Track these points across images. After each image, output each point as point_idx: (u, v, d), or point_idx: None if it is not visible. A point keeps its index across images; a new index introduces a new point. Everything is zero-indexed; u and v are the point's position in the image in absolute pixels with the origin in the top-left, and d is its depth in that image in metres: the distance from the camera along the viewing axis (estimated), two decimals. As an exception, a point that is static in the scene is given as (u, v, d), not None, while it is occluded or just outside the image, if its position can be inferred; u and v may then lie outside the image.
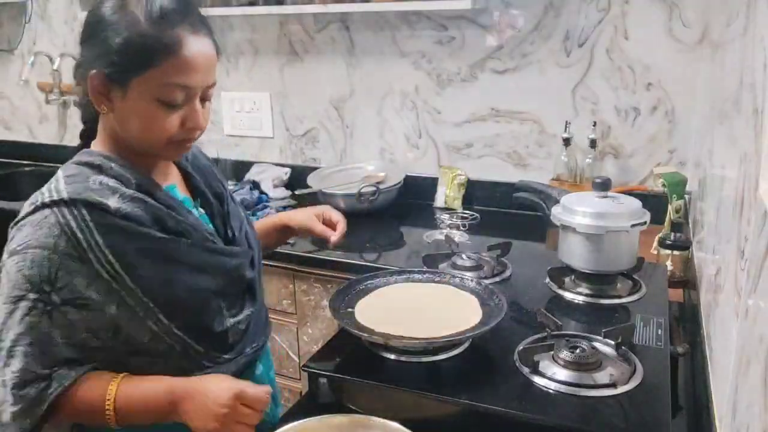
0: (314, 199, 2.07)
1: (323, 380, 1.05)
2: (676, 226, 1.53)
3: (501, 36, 2.01)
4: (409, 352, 1.05)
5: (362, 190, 2.00)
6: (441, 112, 2.18)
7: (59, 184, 0.93)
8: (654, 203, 1.59)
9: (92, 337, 0.91)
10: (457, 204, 2.13)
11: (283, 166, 2.42)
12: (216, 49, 0.95)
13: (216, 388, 0.90)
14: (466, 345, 1.09)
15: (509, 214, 2.08)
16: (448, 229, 1.92)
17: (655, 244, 1.59)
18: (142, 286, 0.91)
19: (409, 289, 1.25)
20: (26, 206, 0.93)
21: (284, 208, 2.12)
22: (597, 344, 1.05)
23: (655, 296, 1.31)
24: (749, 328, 0.70)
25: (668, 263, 1.51)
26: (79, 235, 0.89)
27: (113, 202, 0.91)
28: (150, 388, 0.92)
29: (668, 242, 1.50)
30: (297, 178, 2.34)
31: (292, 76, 2.37)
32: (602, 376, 0.98)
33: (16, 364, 0.88)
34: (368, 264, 1.70)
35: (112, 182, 0.93)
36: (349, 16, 2.22)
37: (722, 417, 0.84)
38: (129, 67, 0.89)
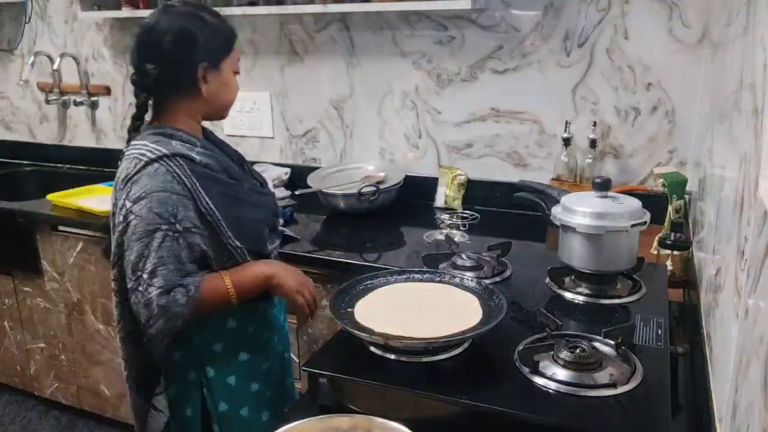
0: (314, 199, 2.07)
1: (323, 380, 1.05)
2: (676, 226, 1.53)
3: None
4: (409, 352, 1.05)
5: (362, 190, 2.00)
6: (441, 112, 2.18)
7: (152, 146, 1.20)
8: (654, 203, 1.59)
9: (203, 255, 1.22)
10: (457, 204, 2.13)
11: (283, 166, 2.42)
12: None
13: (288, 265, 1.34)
14: (466, 345, 1.09)
15: (509, 214, 2.08)
16: (448, 229, 1.92)
17: (655, 244, 1.59)
18: (223, 218, 1.22)
19: (409, 289, 1.25)
20: (129, 167, 1.19)
21: (284, 208, 2.12)
22: (597, 344, 1.05)
23: (655, 296, 1.31)
24: (749, 328, 0.70)
25: (668, 263, 1.51)
26: (185, 179, 1.19)
27: (196, 155, 1.22)
28: (251, 270, 1.27)
29: (668, 242, 1.50)
30: (297, 178, 2.34)
31: (292, 76, 2.37)
32: (602, 376, 0.98)
33: (159, 281, 1.15)
34: (368, 264, 1.70)
35: (186, 144, 1.23)
36: (349, 16, 2.22)
37: (722, 417, 0.84)
38: (222, 53, 1.27)
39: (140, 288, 1.17)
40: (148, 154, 1.19)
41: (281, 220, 1.45)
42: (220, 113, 1.34)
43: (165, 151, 1.19)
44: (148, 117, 1.33)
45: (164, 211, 1.16)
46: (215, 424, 1.33)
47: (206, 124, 1.38)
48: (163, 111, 1.29)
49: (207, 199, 1.20)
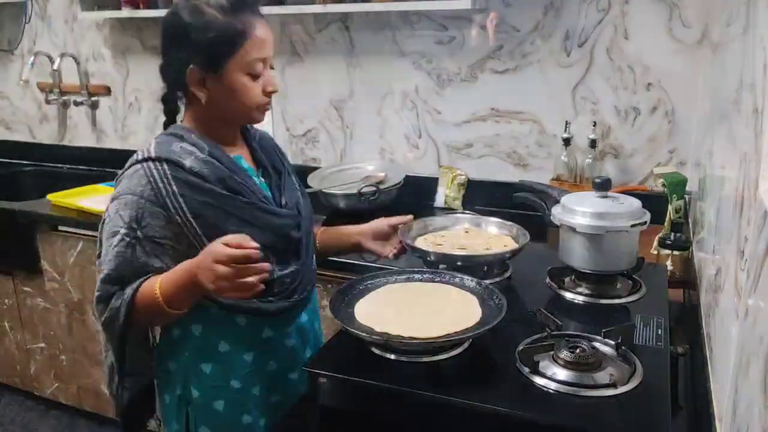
0: (314, 199, 2.07)
1: (323, 380, 1.05)
2: (676, 226, 1.53)
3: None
4: (409, 352, 1.05)
5: (362, 190, 2.00)
6: (441, 112, 2.18)
7: (150, 147, 1.16)
8: (654, 203, 1.58)
9: (163, 269, 1.13)
10: (457, 204, 2.13)
11: (283, 166, 2.42)
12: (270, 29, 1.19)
13: (208, 251, 1.06)
14: (466, 345, 1.08)
15: (509, 214, 2.08)
16: (448, 229, 1.92)
17: (655, 244, 1.59)
18: (204, 232, 1.12)
19: (410, 289, 1.25)
20: (126, 165, 1.17)
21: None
22: (597, 344, 1.05)
23: (655, 296, 1.31)
24: (749, 328, 0.70)
25: (668, 263, 1.51)
26: (160, 184, 1.11)
27: (188, 162, 1.13)
28: (179, 269, 1.10)
29: (668, 242, 1.50)
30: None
31: (292, 76, 2.37)
32: (602, 376, 0.98)
33: (98, 286, 1.12)
34: (368, 264, 1.70)
35: (189, 147, 1.16)
36: (349, 16, 2.22)
37: (722, 417, 0.84)
38: (222, 54, 1.12)
39: (98, 285, 1.14)
40: (140, 154, 1.15)
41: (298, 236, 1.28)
42: (239, 119, 1.23)
43: (153, 154, 1.14)
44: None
45: (127, 214, 1.11)
46: None
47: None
48: (187, 109, 1.24)
49: (184, 208, 1.11)
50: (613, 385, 0.96)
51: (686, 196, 1.79)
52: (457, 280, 1.26)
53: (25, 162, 3.05)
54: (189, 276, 1.08)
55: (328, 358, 1.09)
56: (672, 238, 1.49)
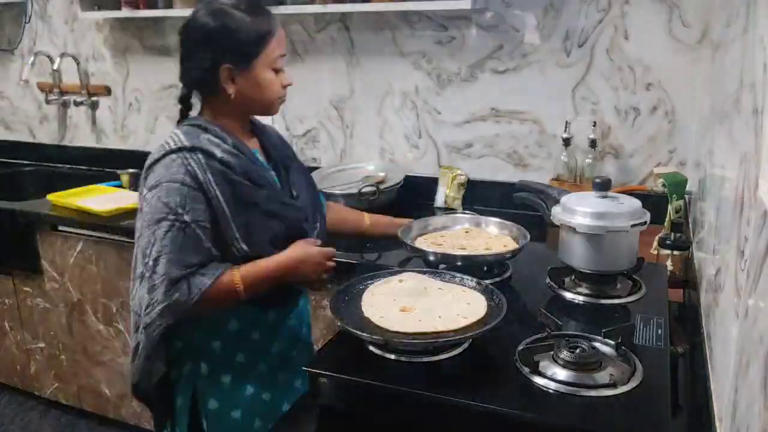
0: (314, 199, 2.07)
1: (323, 380, 1.05)
2: (676, 226, 1.53)
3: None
4: (409, 352, 1.05)
5: (362, 190, 2.00)
6: (441, 112, 2.18)
7: (180, 137, 1.23)
8: (654, 203, 1.59)
9: (210, 248, 1.21)
10: (457, 204, 2.13)
11: (283, 166, 2.42)
12: None
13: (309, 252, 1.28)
14: (466, 345, 1.09)
15: (509, 214, 2.08)
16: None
17: (655, 244, 1.59)
18: (233, 218, 1.21)
19: (419, 282, 1.25)
20: (154, 155, 1.23)
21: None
22: (597, 344, 1.05)
23: (655, 296, 1.31)
24: (749, 328, 0.70)
25: (668, 263, 1.51)
26: (198, 172, 1.20)
27: (218, 152, 1.22)
28: (265, 265, 1.24)
29: (668, 242, 1.50)
30: (297, 178, 2.34)
31: (292, 76, 2.36)
32: (602, 376, 0.98)
33: (162, 269, 1.16)
34: (368, 264, 1.70)
35: (215, 139, 1.24)
36: (349, 16, 2.22)
37: (722, 417, 0.84)
38: (252, 52, 1.24)
39: (146, 274, 1.18)
40: (172, 144, 1.22)
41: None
42: (260, 111, 1.34)
43: (187, 143, 1.21)
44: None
45: (172, 201, 1.17)
46: (203, 419, 1.31)
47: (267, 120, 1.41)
48: (205, 105, 1.31)
49: (218, 194, 1.20)
50: (613, 385, 0.96)
51: (686, 196, 1.79)
52: (457, 280, 1.26)
53: (25, 162, 3.05)
54: (280, 269, 1.24)
55: (328, 358, 1.09)
56: (672, 238, 1.49)
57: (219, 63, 1.23)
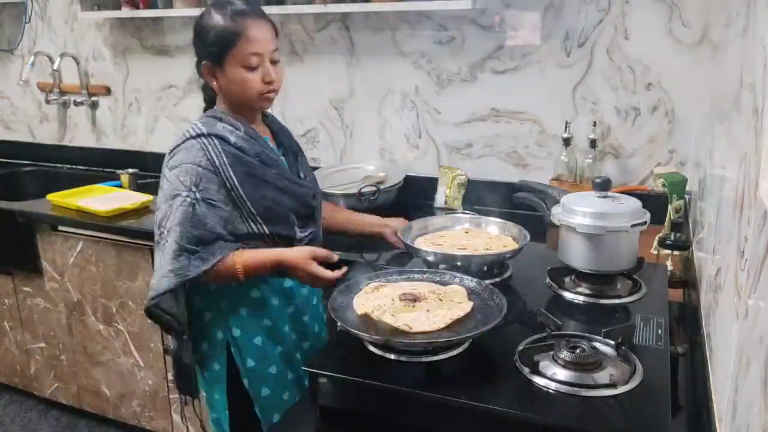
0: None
1: (323, 380, 1.05)
2: (676, 226, 1.53)
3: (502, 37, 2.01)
4: (409, 352, 1.05)
5: (362, 190, 2.00)
6: (441, 112, 2.18)
7: (199, 125, 1.38)
8: (654, 203, 1.59)
9: (216, 225, 1.32)
10: (457, 204, 2.13)
11: (283, 166, 2.42)
12: (273, 29, 1.39)
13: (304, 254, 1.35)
14: (466, 345, 1.08)
15: (509, 214, 2.08)
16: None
17: (655, 244, 1.59)
18: (247, 197, 1.35)
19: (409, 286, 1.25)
20: (176, 141, 1.38)
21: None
22: (597, 344, 1.05)
23: (655, 296, 1.31)
24: (749, 328, 0.70)
25: (668, 263, 1.51)
26: (213, 155, 1.34)
27: (232, 138, 1.37)
28: (265, 256, 1.35)
29: (668, 242, 1.50)
30: (297, 178, 2.34)
31: (292, 76, 2.37)
32: (602, 376, 0.98)
33: (173, 237, 1.30)
34: (368, 264, 1.70)
35: (229, 127, 1.39)
36: (349, 16, 2.22)
37: (722, 417, 0.84)
38: (222, 50, 1.34)
39: (161, 241, 1.33)
40: (192, 131, 1.36)
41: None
42: (246, 105, 1.42)
43: (204, 131, 1.35)
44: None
45: (188, 179, 1.31)
46: (245, 378, 1.42)
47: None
48: (217, 98, 1.45)
49: (233, 176, 1.33)
50: (613, 385, 0.96)
51: (686, 196, 1.79)
52: (457, 280, 1.26)
53: (25, 162, 3.05)
54: (276, 265, 1.34)
55: (328, 358, 1.09)
56: (672, 238, 1.49)
57: (201, 60, 1.39)
